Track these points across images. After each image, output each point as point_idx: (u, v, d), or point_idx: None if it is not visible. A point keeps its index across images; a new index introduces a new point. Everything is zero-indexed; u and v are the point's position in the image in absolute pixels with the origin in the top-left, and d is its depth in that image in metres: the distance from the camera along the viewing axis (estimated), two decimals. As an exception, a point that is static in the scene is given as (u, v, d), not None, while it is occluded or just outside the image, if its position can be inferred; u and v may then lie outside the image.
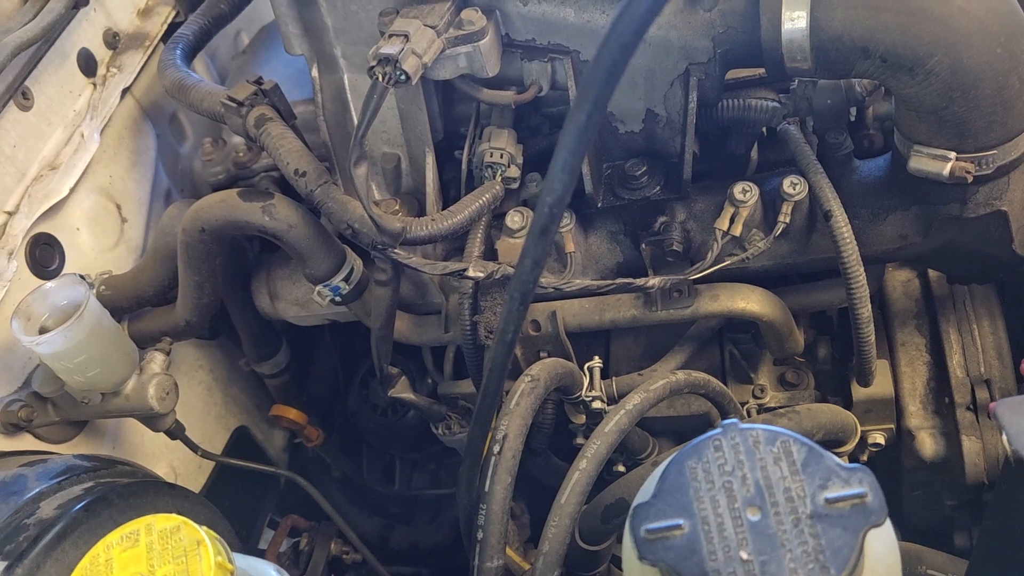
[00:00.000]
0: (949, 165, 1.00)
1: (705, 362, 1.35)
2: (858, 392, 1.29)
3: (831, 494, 0.68)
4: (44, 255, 1.27)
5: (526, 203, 1.25)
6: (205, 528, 0.75)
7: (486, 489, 1.00)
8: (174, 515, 0.76)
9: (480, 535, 1.00)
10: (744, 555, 0.67)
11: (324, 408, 1.66)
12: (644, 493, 0.74)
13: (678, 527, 0.69)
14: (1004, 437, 0.75)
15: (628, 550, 0.75)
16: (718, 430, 0.74)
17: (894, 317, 1.34)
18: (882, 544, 0.71)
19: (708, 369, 1.28)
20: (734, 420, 0.74)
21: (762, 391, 1.36)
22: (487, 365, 0.82)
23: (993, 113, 0.97)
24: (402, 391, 1.32)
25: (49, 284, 1.13)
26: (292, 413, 1.55)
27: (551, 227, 0.66)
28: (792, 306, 1.24)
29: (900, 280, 1.37)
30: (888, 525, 0.72)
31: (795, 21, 0.97)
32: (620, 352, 1.39)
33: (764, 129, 1.25)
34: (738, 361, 1.37)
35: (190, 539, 0.74)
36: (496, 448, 1.01)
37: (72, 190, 1.30)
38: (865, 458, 1.34)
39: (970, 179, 1.00)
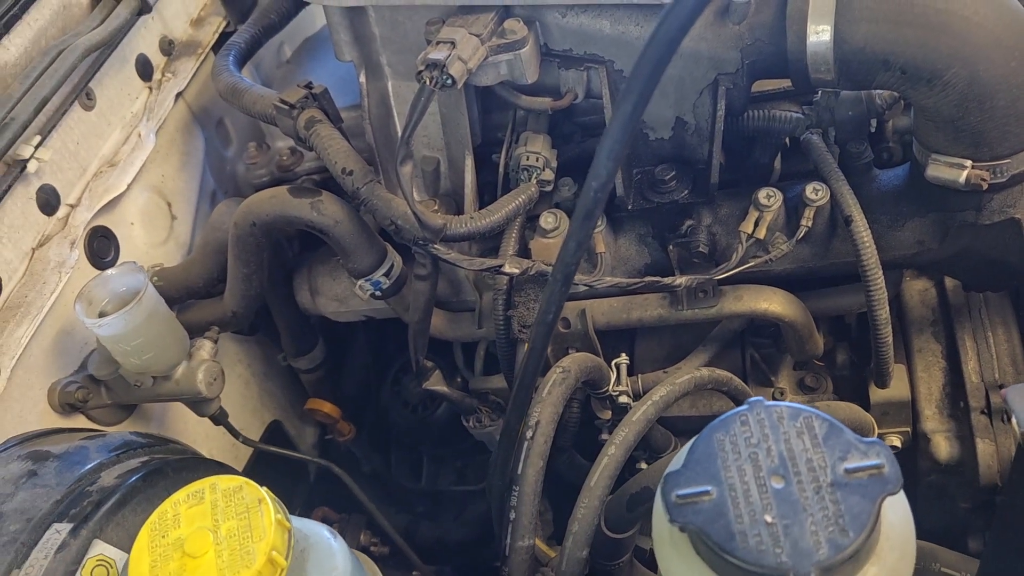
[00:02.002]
0: (965, 173, 1.06)
1: (726, 364, 1.40)
2: (876, 395, 1.33)
3: (850, 464, 0.73)
4: (101, 247, 1.34)
5: (559, 206, 1.31)
6: (265, 488, 0.81)
7: (519, 472, 1.05)
8: (237, 476, 0.82)
9: (512, 515, 1.05)
10: (769, 519, 0.72)
11: (356, 404, 1.72)
12: (675, 464, 0.79)
13: (707, 493, 0.75)
14: (1014, 420, 0.80)
15: (659, 517, 0.80)
16: (745, 406, 0.80)
17: (911, 324, 1.39)
18: (897, 514, 0.76)
19: (729, 371, 1.33)
20: (759, 398, 0.79)
21: (781, 394, 1.40)
22: (528, 344, 0.88)
23: (1007, 124, 1.03)
24: (436, 384, 1.38)
25: (110, 271, 1.20)
26: (327, 407, 1.60)
27: (595, 211, 0.72)
28: (813, 310, 1.29)
29: (917, 289, 1.42)
30: (902, 496, 0.77)
31: (820, 34, 1.03)
32: (644, 353, 1.44)
33: (787, 140, 1.30)
34: (758, 364, 1.42)
35: (252, 497, 0.80)
36: (529, 434, 1.07)
37: (128, 186, 1.37)
38: (882, 461, 1.38)
39: (985, 186, 1.05)
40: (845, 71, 1.05)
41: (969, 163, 1.06)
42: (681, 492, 0.75)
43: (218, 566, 0.76)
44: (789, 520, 0.72)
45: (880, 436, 1.36)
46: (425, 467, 1.79)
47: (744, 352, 1.42)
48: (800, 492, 0.73)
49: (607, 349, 1.35)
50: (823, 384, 1.42)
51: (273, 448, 1.51)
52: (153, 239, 1.45)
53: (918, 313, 1.40)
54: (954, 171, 1.06)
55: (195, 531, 0.78)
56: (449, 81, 1.07)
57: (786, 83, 1.25)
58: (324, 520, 1.62)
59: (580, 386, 1.24)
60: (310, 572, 0.83)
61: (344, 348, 1.70)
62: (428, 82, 1.08)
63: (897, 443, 1.36)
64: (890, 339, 1.19)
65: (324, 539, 0.86)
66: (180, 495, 0.82)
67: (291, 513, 0.82)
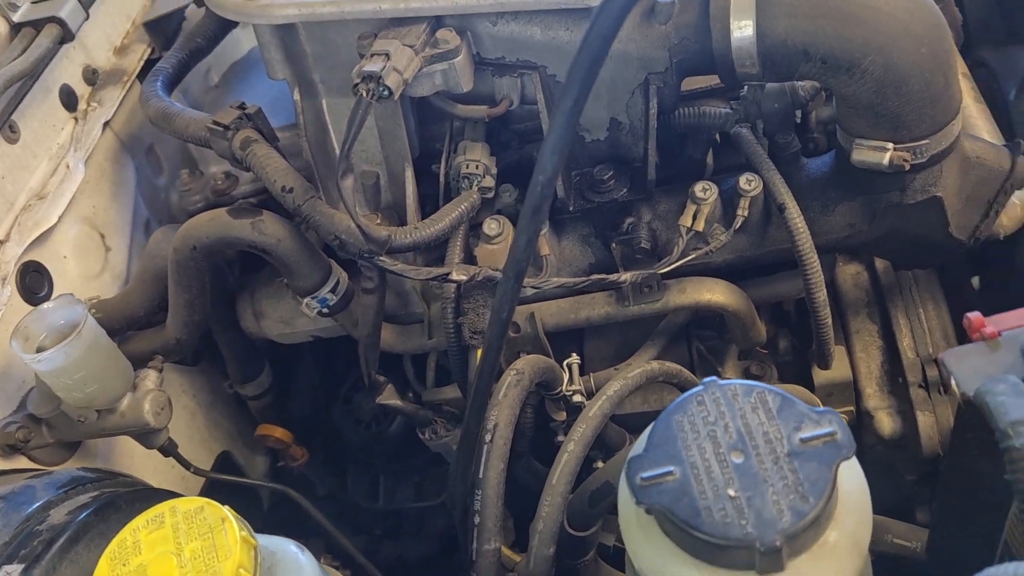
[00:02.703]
0: (888, 155, 1.11)
1: (674, 358, 1.42)
2: (819, 377, 1.37)
3: (805, 434, 0.76)
4: (34, 282, 1.30)
5: (501, 212, 1.33)
6: (227, 507, 0.79)
7: (480, 476, 1.06)
8: (197, 497, 0.81)
9: (477, 519, 1.05)
10: (732, 492, 0.74)
11: (307, 427, 1.70)
12: (636, 449, 0.81)
13: (670, 473, 0.76)
14: (953, 381, 0.83)
15: (625, 502, 0.81)
16: (700, 387, 0.82)
17: (847, 307, 1.44)
18: (852, 480, 0.79)
19: (677, 364, 1.36)
20: (713, 378, 0.82)
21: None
22: (484, 344, 0.89)
23: (923, 106, 1.08)
24: (389, 397, 1.37)
25: (46, 305, 1.16)
26: (278, 432, 1.58)
27: (543, 206, 0.73)
28: (754, 298, 1.33)
29: (850, 273, 1.47)
30: (856, 463, 0.79)
31: (743, 30, 1.07)
32: (593, 353, 1.46)
33: (718, 136, 1.35)
34: (705, 356, 1.45)
35: (214, 517, 0.79)
36: (488, 437, 1.07)
37: (59, 219, 1.34)
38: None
39: (907, 167, 1.11)
40: (769, 64, 1.09)
41: (891, 145, 1.11)
42: (645, 474, 0.76)
43: (184, 588, 0.74)
44: (751, 492, 0.74)
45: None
46: (382, 485, 1.77)
47: (690, 345, 1.45)
48: (760, 465, 0.75)
49: (557, 351, 1.36)
50: (768, 371, 1.46)
51: (225, 476, 1.48)
52: (88, 271, 1.42)
53: (853, 296, 1.45)
54: (877, 154, 1.11)
55: (158, 556, 0.77)
56: (386, 92, 1.08)
57: (715, 80, 1.30)
58: (282, 548, 1.59)
59: (534, 389, 1.26)
60: (279, 588, 0.82)
61: (292, 371, 1.67)
62: (365, 94, 1.08)
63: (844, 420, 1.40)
64: (829, 320, 1.23)
65: (291, 554, 0.85)
66: (139, 521, 0.80)
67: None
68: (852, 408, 1.40)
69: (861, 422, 1.40)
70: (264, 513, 1.74)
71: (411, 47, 1.11)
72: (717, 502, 0.74)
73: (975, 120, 1.42)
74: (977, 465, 0.85)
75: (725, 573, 0.75)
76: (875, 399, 1.38)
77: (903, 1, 1.06)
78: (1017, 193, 1.30)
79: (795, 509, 0.72)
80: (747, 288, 1.33)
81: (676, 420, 0.80)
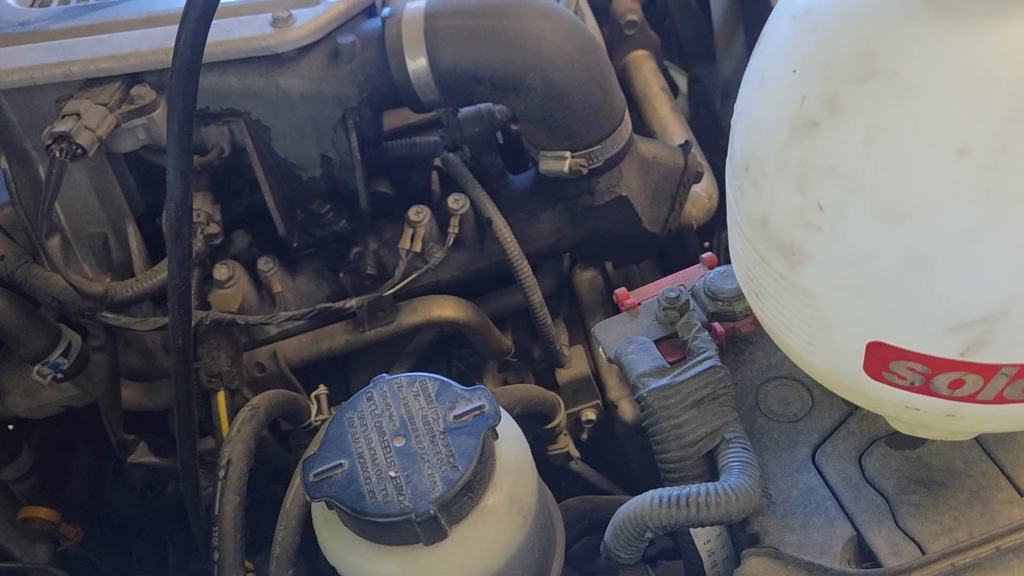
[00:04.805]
0: (567, 162, 1.23)
1: (432, 377, 1.49)
2: (561, 376, 1.47)
3: (458, 411, 0.83)
4: None
5: (236, 257, 1.36)
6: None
7: (216, 512, 1.07)
8: None
9: (216, 556, 1.06)
10: (393, 474, 0.80)
11: (84, 504, 1.64)
12: (311, 449, 0.86)
13: (339, 466, 0.82)
14: (600, 349, 0.93)
15: (314, 505, 0.86)
16: (370, 385, 0.88)
17: (585, 309, 1.55)
18: (511, 446, 0.87)
19: (436, 383, 1.43)
20: (382, 375, 0.88)
21: (492, 392, 1.51)
22: (172, 376, 0.91)
23: (588, 116, 1.21)
24: (142, 456, 1.36)
25: None
26: (43, 512, 1.52)
27: (183, 229, 0.78)
28: (491, 310, 1.42)
29: (586, 278, 1.58)
30: (515, 432, 0.87)
31: (417, 62, 1.17)
32: (359, 381, 1.51)
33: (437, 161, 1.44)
34: (463, 372, 1.52)
35: None
36: (221, 473, 1.09)
37: None
38: (585, 435, 1.52)
39: (585, 171, 1.23)
40: (447, 91, 1.19)
41: (568, 154, 1.23)
42: (316, 471, 0.81)
43: None
44: (410, 470, 0.80)
45: (578, 411, 1.51)
46: (172, 555, 1.73)
47: (449, 363, 1.52)
48: (418, 445, 0.82)
49: (322, 381, 1.39)
50: (525, 379, 1.55)
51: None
52: None
53: (590, 298, 1.57)
54: (559, 163, 1.23)
55: None
56: (79, 151, 1.10)
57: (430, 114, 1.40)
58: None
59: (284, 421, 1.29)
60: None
61: (59, 446, 1.62)
62: (59, 154, 1.10)
63: (592, 416, 1.51)
64: (549, 320, 1.33)
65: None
66: None
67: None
68: (599, 401, 1.50)
69: (608, 413, 1.50)
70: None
71: (104, 105, 1.14)
72: (380, 484, 0.80)
73: (671, 127, 1.59)
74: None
75: (398, 550, 0.80)
76: (616, 390, 1.49)
77: (553, 24, 1.19)
78: (703, 186, 1.46)
79: (446, 479, 0.79)
80: (483, 301, 1.42)
81: (347, 417, 0.85)
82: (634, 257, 1.46)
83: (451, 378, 1.48)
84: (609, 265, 1.56)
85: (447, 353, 1.53)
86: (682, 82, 2.04)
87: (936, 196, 0.57)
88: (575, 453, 1.51)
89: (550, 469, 1.50)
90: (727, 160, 0.75)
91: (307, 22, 1.19)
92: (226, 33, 1.19)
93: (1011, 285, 0.58)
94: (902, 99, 0.57)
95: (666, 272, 1.55)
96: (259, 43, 1.18)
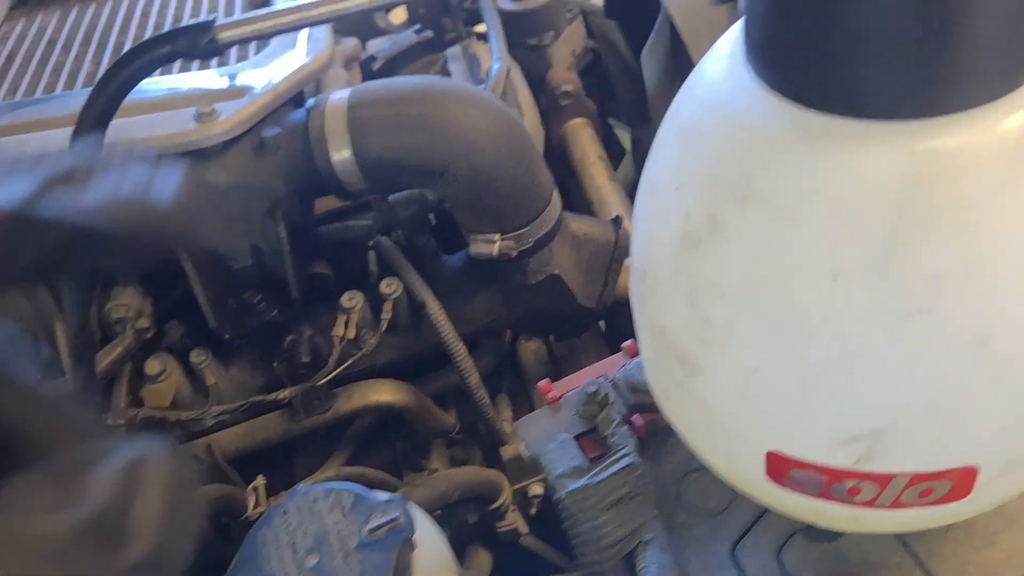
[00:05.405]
0: (496, 245, 1.23)
1: (378, 460, 1.47)
2: (505, 452, 1.45)
3: (372, 524, 0.82)
4: None
5: (170, 349, 1.34)
6: None
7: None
8: None
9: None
10: (305, 595, 0.78)
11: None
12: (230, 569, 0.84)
13: (251, 588, 0.79)
14: (522, 446, 0.92)
15: (225, 625, 0.83)
16: (286, 498, 0.86)
17: (529, 381, 1.54)
18: (429, 556, 0.85)
19: (381, 466, 1.41)
20: (299, 486, 0.86)
21: (435, 471, 1.49)
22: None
23: (515, 198, 1.21)
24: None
25: None
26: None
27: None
28: (432, 390, 1.41)
29: (531, 349, 1.58)
30: (430, 539, 0.86)
31: (341, 153, 1.17)
32: (303, 469, 1.48)
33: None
34: (408, 453, 1.50)
35: None
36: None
37: None
38: (534, 510, 1.50)
39: (514, 254, 1.23)
40: (373, 180, 1.19)
41: (498, 236, 1.23)
42: (227, 594, 0.79)
43: None
44: (322, 592, 0.78)
45: (525, 486, 1.49)
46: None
47: (394, 445, 1.50)
48: (331, 563, 0.80)
49: (271, 468, 1.37)
50: (472, 455, 1.53)
51: None
52: None
53: (534, 370, 1.56)
54: (488, 246, 1.23)
55: None
56: None
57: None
58: None
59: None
60: None
61: None
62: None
63: (539, 490, 1.48)
64: (487, 400, 1.32)
65: None
66: None
67: None
68: (544, 476, 1.48)
69: (553, 487, 1.49)
70: None
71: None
72: (292, 607, 0.78)
73: (607, 196, 1.60)
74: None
75: (313, 674, 0.78)
76: (562, 463, 1.48)
77: (478, 110, 1.19)
78: (639, 258, 1.46)
79: (359, 599, 0.77)
80: (423, 382, 1.40)
81: (261, 535, 0.83)
82: (572, 332, 1.46)
83: (396, 459, 1.50)
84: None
85: (391, 434, 1.51)
86: (626, 140, 2.06)
87: (816, 317, 0.58)
88: (524, 529, 1.48)
89: (502, 544, 1.48)
90: (631, 265, 0.75)
91: (231, 115, 1.19)
92: (149, 129, 1.19)
93: (894, 400, 0.58)
94: (777, 223, 0.58)
95: (610, 341, 1.56)
96: (183, 139, 1.18)
